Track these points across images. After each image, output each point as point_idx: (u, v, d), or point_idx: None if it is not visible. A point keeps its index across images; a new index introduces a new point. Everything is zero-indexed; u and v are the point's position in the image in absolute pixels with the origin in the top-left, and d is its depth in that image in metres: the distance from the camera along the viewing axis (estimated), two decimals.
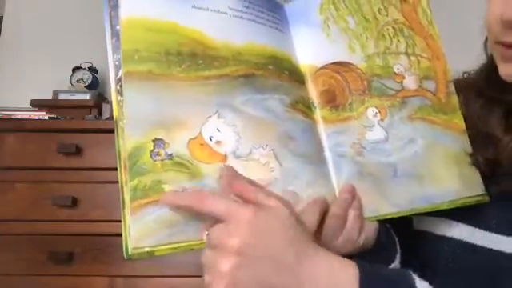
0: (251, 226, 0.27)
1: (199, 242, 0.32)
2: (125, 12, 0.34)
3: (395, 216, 0.41)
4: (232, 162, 0.35)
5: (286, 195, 0.37)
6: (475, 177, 0.43)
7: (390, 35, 0.46)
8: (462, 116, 0.45)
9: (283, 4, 0.48)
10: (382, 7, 0.47)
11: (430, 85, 0.46)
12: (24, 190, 0.92)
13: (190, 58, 0.35)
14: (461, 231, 0.43)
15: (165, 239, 0.30)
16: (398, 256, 0.44)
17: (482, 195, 0.43)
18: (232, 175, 0.31)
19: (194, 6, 0.37)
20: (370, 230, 0.38)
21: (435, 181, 0.42)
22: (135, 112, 0.32)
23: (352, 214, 0.36)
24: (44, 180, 0.92)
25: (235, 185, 0.30)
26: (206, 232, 0.29)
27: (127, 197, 0.30)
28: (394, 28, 0.46)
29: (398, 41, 0.46)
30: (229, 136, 0.35)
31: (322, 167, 0.39)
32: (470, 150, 0.44)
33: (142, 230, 0.30)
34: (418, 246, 0.48)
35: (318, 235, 0.35)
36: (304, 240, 0.29)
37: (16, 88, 1.27)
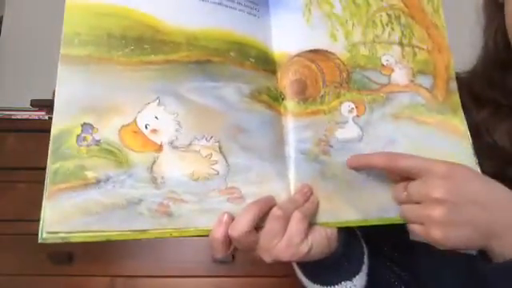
0: (448, 176, 0.32)
1: (117, 232, 0.31)
2: None
3: (360, 224, 0.37)
4: (168, 153, 0.34)
5: (226, 191, 0.37)
6: None
7: (382, 22, 0.42)
8: (463, 117, 0.41)
9: None
10: None
11: (425, 80, 0.41)
12: (24, 190, 0.98)
13: (136, 42, 0.35)
14: None
15: (81, 227, 0.31)
16: (365, 268, 0.41)
17: None
18: (392, 157, 0.35)
19: None
20: (322, 237, 0.35)
21: None
22: (66, 96, 0.32)
23: (296, 217, 0.33)
24: (44, 180, 1.01)
25: (400, 162, 0.34)
26: (405, 192, 0.34)
27: (47, 180, 0.31)
28: (388, 14, 0.43)
29: (392, 29, 0.42)
30: (168, 125, 0.34)
31: (278, 164, 0.37)
32: (471, 155, 0.39)
33: (59, 214, 0.30)
34: (414, 258, 0.45)
35: (254, 238, 0.33)
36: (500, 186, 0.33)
37: (16, 88, 1.31)
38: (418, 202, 0.34)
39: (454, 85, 0.42)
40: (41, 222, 0.30)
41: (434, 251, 0.43)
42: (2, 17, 1.42)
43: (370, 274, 0.41)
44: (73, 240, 0.31)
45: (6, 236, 0.98)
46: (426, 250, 0.44)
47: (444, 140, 0.40)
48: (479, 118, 0.44)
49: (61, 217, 0.31)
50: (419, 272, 0.46)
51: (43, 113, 1.10)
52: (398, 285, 0.46)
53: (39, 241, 0.30)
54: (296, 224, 0.33)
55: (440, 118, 0.40)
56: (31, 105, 1.12)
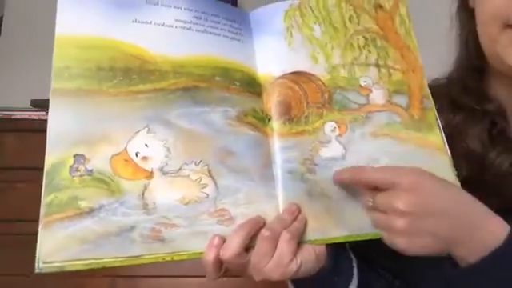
0: (412, 189, 0.34)
1: (112, 259, 0.32)
2: (59, 29, 0.36)
3: (348, 240, 0.39)
4: (158, 179, 0.35)
5: (216, 214, 0.38)
6: None
7: (359, 45, 0.44)
8: (439, 133, 0.42)
9: (248, 12, 0.51)
10: (353, 14, 0.45)
11: (401, 99, 0.43)
12: (24, 190, 0.97)
13: (123, 73, 0.36)
14: None
15: (77, 255, 0.32)
16: (355, 281, 0.42)
17: None
18: (358, 170, 0.38)
19: (134, 21, 0.39)
20: (310, 255, 0.37)
21: None
22: (58, 128, 0.34)
23: (284, 237, 0.34)
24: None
25: (364, 178, 0.37)
26: (371, 200, 0.37)
27: (42, 211, 0.32)
28: (365, 38, 0.45)
29: (369, 51, 0.44)
30: (157, 151, 0.35)
31: (266, 184, 0.38)
32: (449, 169, 0.40)
33: (54, 244, 0.31)
34: (404, 265, 0.46)
35: (244, 259, 0.34)
36: (459, 191, 0.35)
37: (16, 88, 1.30)
38: (384, 211, 0.36)
39: (428, 103, 0.44)
40: (37, 253, 0.31)
41: (423, 258, 0.45)
42: (2, 17, 1.42)
43: (360, 286, 0.42)
44: (68, 269, 0.32)
45: (6, 236, 0.98)
46: (415, 256, 0.46)
47: (422, 156, 0.41)
48: (455, 122, 0.46)
49: (56, 246, 0.32)
50: (409, 278, 0.47)
51: (43, 113, 1.10)
52: None
53: (36, 271, 0.31)
54: (285, 244, 0.34)
55: (417, 135, 0.42)
56: (31, 105, 1.12)
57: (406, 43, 0.45)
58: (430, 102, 0.44)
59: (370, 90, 0.44)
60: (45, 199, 0.33)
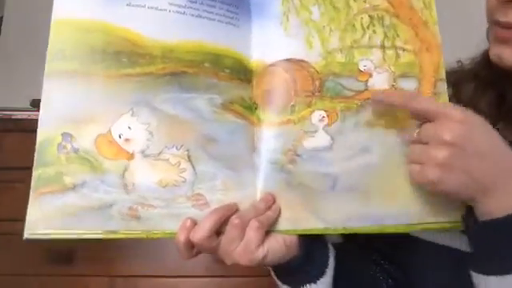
0: (463, 122, 0.34)
1: (91, 232, 0.36)
2: (56, 14, 0.38)
3: (322, 232, 0.39)
4: (139, 161, 0.37)
5: (193, 198, 0.39)
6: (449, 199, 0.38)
7: (362, 25, 0.43)
8: None
9: None
10: None
11: (409, 84, 0.41)
12: (24, 190, 1.06)
13: (114, 56, 0.38)
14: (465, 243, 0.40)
15: (59, 226, 0.35)
16: (330, 271, 0.42)
17: (454, 222, 0.39)
18: (412, 96, 0.38)
19: (128, 4, 0.40)
20: (279, 244, 0.37)
21: (386, 199, 0.39)
22: (49, 108, 0.37)
23: (252, 225, 0.36)
24: None
25: (419, 103, 0.36)
26: (417, 130, 0.36)
27: (31, 185, 0.36)
28: (370, 16, 0.43)
29: (374, 31, 0.42)
30: (139, 134, 0.37)
31: (246, 173, 0.39)
32: None
33: (40, 215, 0.35)
34: (401, 251, 0.47)
35: (214, 243, 0.36)
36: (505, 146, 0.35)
37: (16, 88, 1.31)
38: (426, 143, 0.35)
39: (442, 86, 0.41)
40: (25, 223, 0.35)
41: (420, 245, 0.45)
42: (1, 17, 1.46)
43: (339, 275, 0.43)
44: (51, 237, 0.35)
45: (6, 236, 1.00)
46: (413, 242, 0.46)
47: None
48: (466, 94, 0.46)
49: (42, 217, 0.35)
50: (406, 264, 0.48)
51: None
52: (384, 279, 0.48)
53: (23, 238, 0.35)
54: (252, 232, 0.36)
55: None
56: (31, 105, 1.14)
57: (422, 19, 0.42)
58: (444, 86, 0.41)
59: (370, 75, 0.42)
60: (34, 173, 0.36)
